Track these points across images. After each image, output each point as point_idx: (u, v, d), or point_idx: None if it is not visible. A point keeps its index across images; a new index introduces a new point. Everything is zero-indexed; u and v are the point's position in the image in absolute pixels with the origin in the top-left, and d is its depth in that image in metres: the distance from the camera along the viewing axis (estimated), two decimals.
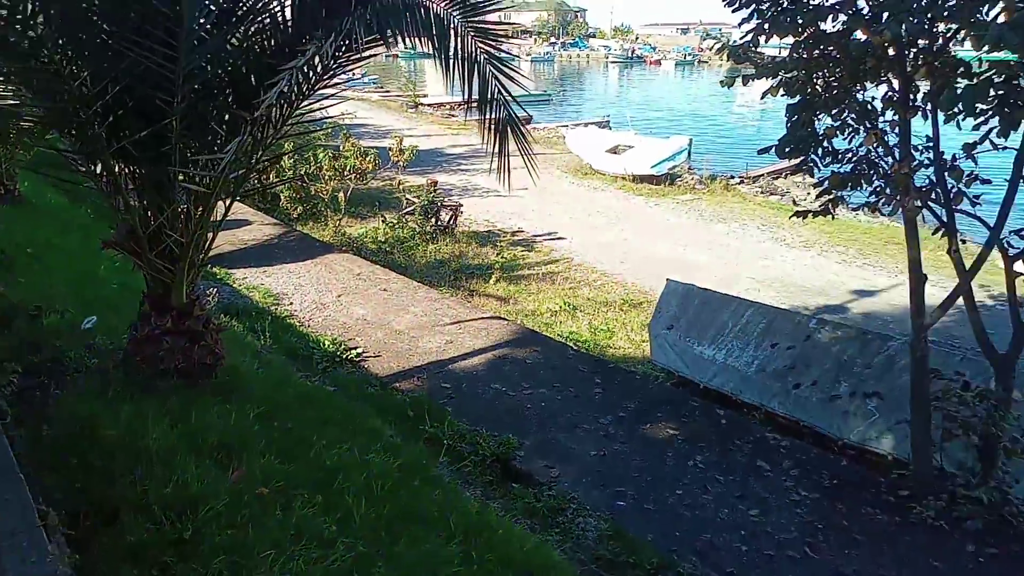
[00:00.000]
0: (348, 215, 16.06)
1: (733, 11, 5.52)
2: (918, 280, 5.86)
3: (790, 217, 7.13)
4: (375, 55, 5.36)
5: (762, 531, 5.60)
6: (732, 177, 22.45)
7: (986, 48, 4.23)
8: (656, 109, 45.95)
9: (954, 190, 5.51)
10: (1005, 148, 5.07)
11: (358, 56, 4.94)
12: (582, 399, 7.69)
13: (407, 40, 4.93)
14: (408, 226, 14.95)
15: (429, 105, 39.89)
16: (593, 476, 6.29)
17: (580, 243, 15.50)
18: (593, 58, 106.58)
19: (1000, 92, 4.57)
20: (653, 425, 7.22)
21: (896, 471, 6.45)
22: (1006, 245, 5.91)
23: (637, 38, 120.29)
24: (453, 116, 35.79)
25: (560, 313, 11.57)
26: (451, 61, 4.95)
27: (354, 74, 31.11)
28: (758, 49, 5.92)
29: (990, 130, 4.87)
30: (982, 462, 5.95)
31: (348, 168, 15.92)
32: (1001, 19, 4.23)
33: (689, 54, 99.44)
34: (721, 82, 6.37)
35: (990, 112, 4.71)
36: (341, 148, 16.27)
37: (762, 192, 21.06)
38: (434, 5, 4.91)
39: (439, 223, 15.33)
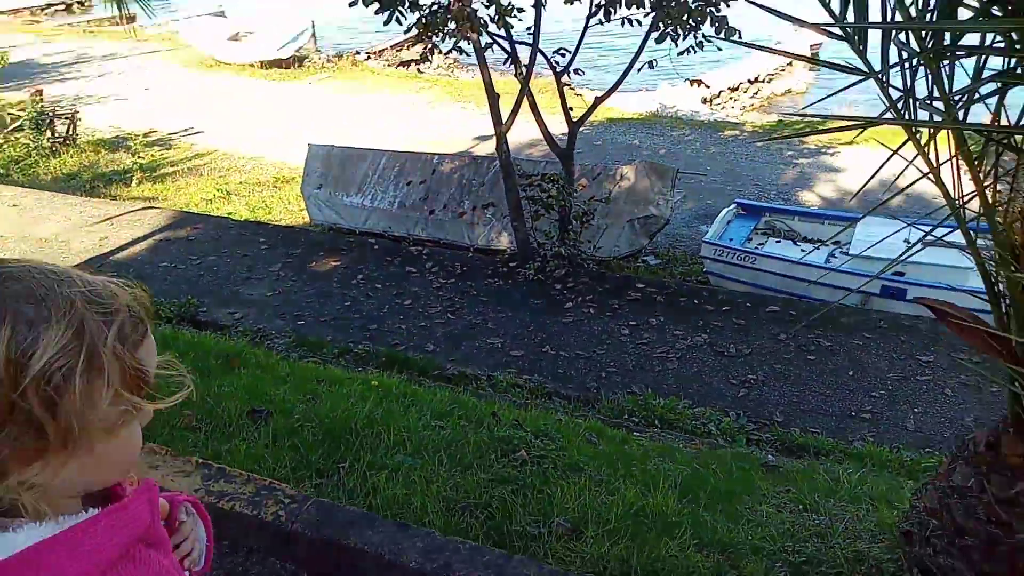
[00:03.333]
0: None
1: None
2: (492, 97, 7.52)
3: (396, 67, 8.36)
4: None
5: (416, 312, 7.13)
6: (358, 53, 23.32)
7: None
8: None
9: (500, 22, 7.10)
10: None
11: None
12: (251, 256, 8.49)
13: None
14: (20, 143, 13.69)
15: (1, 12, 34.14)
16: (272, 310, 7.27)
17: (221, 133, 15.49)
18: None
19: None
20: (318, 262, 8.33)
21: (509, 253, 8.38)
22: (554, 63, 7.81)
23: None
24: (36, 22, 31.27)
25: (215, 200, 11.89)
26: None
27: None
28: None
29: None
30: (560, 230, 8.05)
31: None
32: None
33: None
34: None
35: None
36: None
37: (388, 65, 22.33)
38: None
39: (56, 135, 14.21)
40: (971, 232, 2.29)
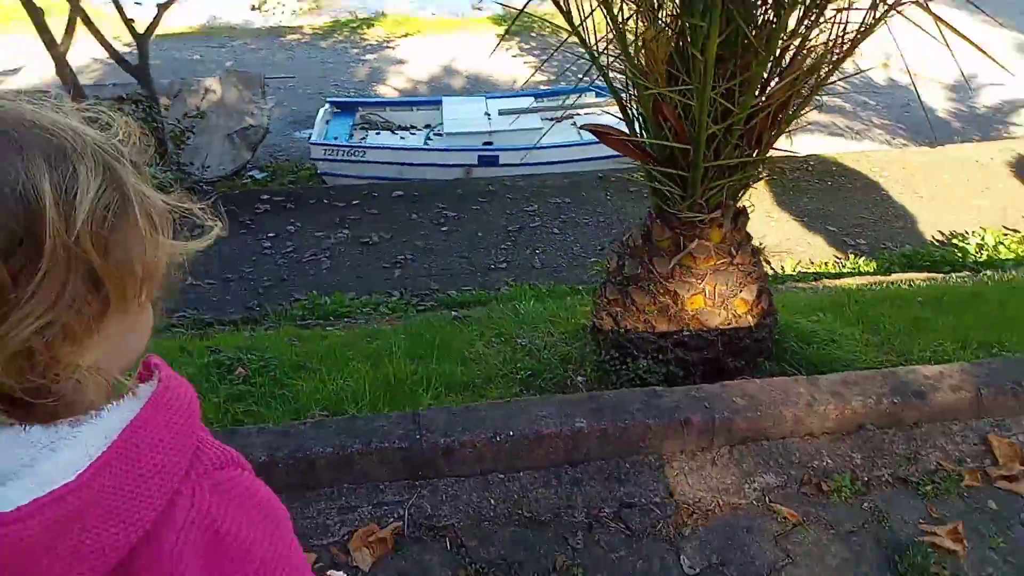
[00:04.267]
0: None
1: None
2: (36, 14, 6.35)
3: None
4: None
5: None
6: None
7: None
8: None
9: None
10: None
11: None
12: None
13: None
14: None
15: None
16: None
17: None
18: None
19: None
20: None
21: None
22: None
23: None
24: None
25: None
26: None
27: None
28: None
29: None
30: (158, 155, 7.31)
31: None
32: None
33: None
34: None
35: None
36: None
37: None
38: None
39: None
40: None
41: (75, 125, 0.61)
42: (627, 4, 2.56)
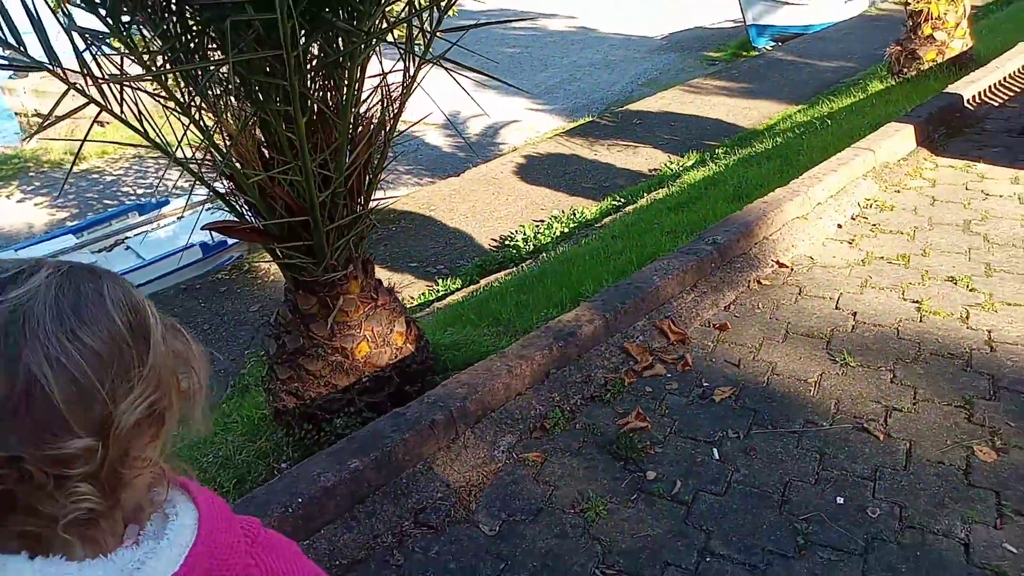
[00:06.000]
0: None
1: None
2: None
3: None
4: None
5: None
6: None
7: None
8: None
9: None
10: None
11: None
12: None
13: None
14: None
15: None
16: None
17: None
18: None
19: None
20: None
21: None
22: None
23: None
24: None
25: None
26: None
27: None
28: None
29: None
30: None
31: None
32: None
33: None
34: None
35: None
36: None
37: None
38: None
39: None
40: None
41: None
42: (207, 114, 2.71)
